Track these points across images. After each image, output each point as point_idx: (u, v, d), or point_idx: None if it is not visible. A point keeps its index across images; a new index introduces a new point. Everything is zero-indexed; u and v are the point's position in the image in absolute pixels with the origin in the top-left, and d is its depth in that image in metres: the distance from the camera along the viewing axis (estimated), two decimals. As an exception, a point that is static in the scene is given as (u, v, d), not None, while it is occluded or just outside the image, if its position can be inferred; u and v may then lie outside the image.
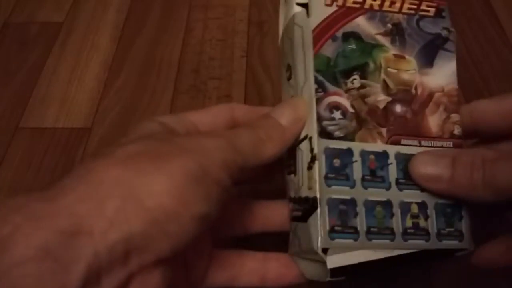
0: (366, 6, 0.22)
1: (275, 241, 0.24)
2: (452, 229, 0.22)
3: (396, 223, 0.21)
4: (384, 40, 0.22)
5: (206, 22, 0.48)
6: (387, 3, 0.23)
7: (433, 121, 0.22)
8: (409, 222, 0.21)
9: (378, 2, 0.23)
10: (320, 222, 0.20)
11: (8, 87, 0.43)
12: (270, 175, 0.26)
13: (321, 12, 0.22)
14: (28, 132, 0.40)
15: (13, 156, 0.38)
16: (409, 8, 0.23)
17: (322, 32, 0.22)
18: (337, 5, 0.22)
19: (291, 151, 0.22)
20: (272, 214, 0.25)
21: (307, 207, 0.20)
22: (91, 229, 0.15)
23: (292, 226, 0.22)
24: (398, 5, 0.23)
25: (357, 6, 0.22)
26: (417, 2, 0.23)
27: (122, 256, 0.16)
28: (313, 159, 0.20)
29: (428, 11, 0.23)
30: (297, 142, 0.22)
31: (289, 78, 0.23)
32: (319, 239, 0.19)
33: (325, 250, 0.19)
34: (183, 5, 0.50)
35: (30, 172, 0.37)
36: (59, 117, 0.41)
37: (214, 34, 0.47)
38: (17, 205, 0.16)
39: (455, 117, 0.22)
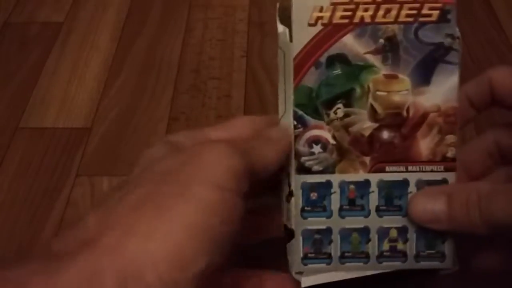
0: (356, 20, 0.20)
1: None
2: (432, 251, 0.22)
3: (372, 247, 0.21)
4: (374, 59, 0.21)
5: (206, 22, 0.48)
6: (380, 13, 0.20)
7: (425, 145, 0.21)
8: (386, 246, 0.21)
9: (370, 13, 0.20)
10: (295, 250, 0.21)
11: (8, 87, 0.43)
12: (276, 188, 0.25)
13: (304, 34, 0.20)
14: (28, 132, 0.40)
15: (13, 156, 0.38)
16: (408, 15, 0.21)
17: (304, 58, 0.20)
18: (322, 24, 0.20)
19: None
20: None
21: (287, 234, 0.21)
22: None
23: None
24: (394, 12, 0.20)
25: (346, 21, 0.20)
26: (417, 5, 0.21)
27: None
28: (290, 193, 0.21)
29: (430, 15, 0.21)
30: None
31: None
32: (294, 265, 0.21)
33: (300, 273, 0.21)
34: (183, 5, 0.50)
35: (30, 172, 0.37)
36: (59, 117, 0.41)
37: (214, 34, 0.47)
38: (18, 282, 0.16)
39: (450, 138, 0.21)
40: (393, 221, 0.21)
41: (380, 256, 0.21)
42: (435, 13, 0.21)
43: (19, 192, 0.36)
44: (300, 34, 0.20)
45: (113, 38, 0.47)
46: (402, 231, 0.21)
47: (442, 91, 0.21)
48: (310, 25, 0.20)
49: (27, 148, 0.39)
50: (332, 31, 0.20)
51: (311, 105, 0.21)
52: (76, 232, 0.17)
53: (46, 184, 0.36)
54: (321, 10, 0.20)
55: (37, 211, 0.35)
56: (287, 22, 0.20)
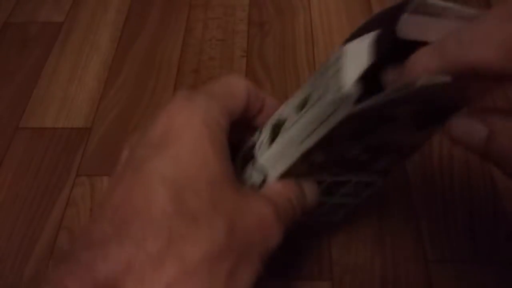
0: None
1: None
2: None
3: None
4: None
5: (206, 22, 0.48)
6: None
7: None
8: None
9: None
10: None
11: (8, 87, 0.43)
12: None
13: None
14: (28, 132, 0.40)
15: (13, 156, 0.38)
16: None
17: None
18: None
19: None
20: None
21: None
22: None
23: None
24: None
25: None
26: None
27: None
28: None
29: None
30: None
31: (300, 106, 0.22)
32: None
33: None
34: (183, 5, 0.50)
35: (30, 172, 0.37)
36: (59, 117, 0.41)
37: (214, 34, 0.47)
38: None
39: None
40: None
41: None
42: None
43: (19, 192, 0.36)
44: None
45: (113, 38, 0.47)
46: None
47: None
48: None
49: (27, 148, 0.39)
50: None
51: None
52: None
53: (46, 184, 0.36)
54: None
55: (37, 211, 0.35)
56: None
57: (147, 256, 0.16)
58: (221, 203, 0.18)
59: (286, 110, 0.23)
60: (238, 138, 0.25)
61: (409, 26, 0.18)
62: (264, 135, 0.23)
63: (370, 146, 0.22)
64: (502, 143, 0.17)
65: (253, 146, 0.24)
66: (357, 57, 0.19)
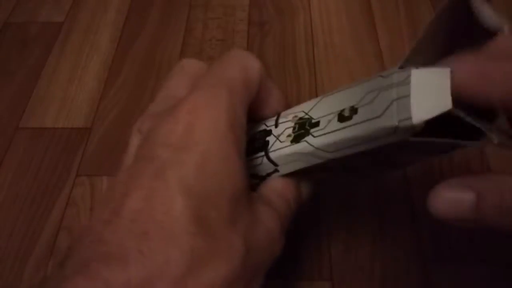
0: None
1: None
2: None
3: None
4: None
5: (206, 22, 0.48)
6: None
7: None
8: None
9: None
10: None
11: (8, 87, 0.43)
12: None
13: None
14: (28, 132, 0.40)
15: (13, 156, 0.38)
16: None
17: None
18: None
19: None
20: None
21: None
22: None
23: None
24: None
25: None
26: None
27: None
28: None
29: None
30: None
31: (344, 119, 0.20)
32: None
33: None
34: (183, 5, 0.50)
35: (30, 172, 0.37)
36: (59, 117, 0.41)
37: (214, 34, 0.47)
38: None
39: None
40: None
41: None
42: None
43: (19, 192, 0.36)
44: None
45: (113, 38, 0.47)
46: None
47: None
48: None
49: (27, 148, 0.39)
50: None
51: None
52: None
53: (46, 184, 0.36)
54: None
55: (37, 211, 0.35)
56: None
57: (169, 280, 0.15)
58: (238, 220, 0.18)
59: (316, 110, 0.21)
60: None
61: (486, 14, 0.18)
62: (282, 129, 0.22)
63: (379, 161, 0.21)
64: (493, 200, 0.16)
65: (266, 134, 0.23)
66: (431, 90, 0.17)
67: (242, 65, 0.21)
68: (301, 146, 0.21)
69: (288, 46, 0.45)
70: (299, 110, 0.22)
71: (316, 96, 0.41)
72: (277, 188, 0.22)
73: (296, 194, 0.23)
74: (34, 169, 0.37)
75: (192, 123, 0.18)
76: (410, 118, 0.17)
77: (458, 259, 0.31)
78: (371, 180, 0.25)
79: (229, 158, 0.18)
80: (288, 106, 0.24)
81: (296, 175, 0.22)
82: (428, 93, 0.17)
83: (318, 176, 0.24)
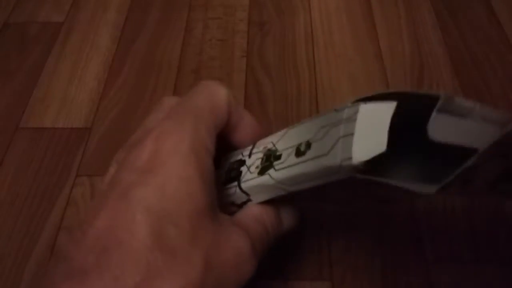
0: None
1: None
2: None
3: None
4: None
5: (206, 22, 0.48)
6: None
7: None
8: None
9: None
10: None
11: (8, 87, 0.43)
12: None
13: None
14: (28, 132, 0.40)
15: (13, 156, 0.38)
16: None
17: None
18: None
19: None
20: None
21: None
22: None
23: None
24: None
25: None
26: None
27: None
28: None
29: None
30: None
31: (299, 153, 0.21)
32: None
33: None
34: (183, 5, 0.50)
35: (30, 172, 0.37)
36: (59, 117, 0.41)
37: (214, 34, 0.47)
38: None
39: None
40: None
41: None
42: None
43: (19, 192, 0.36)
44: None
45: (113, 38, 0.47)
46: None
47: None
48: None
49: (27, 148, 0.39)
50: None
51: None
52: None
53: (46, 184, 0.36)
54: None
55: (37, 211, 0.35)
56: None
57: None
58: (200, 237, 0.18)
59: (282, 142, 0.22)
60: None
61: (439, 127, 0.17)
62: (253, 160, 0.23)
63: (361, 195, 0.22)
64: None
65: (241, 164, 0.24)
66: (372, 128, 0.18)
67: (208, 93, 0.23)
68: (264, 179, 0.22)
69: (288, 46, 0.45)
70: (269, 141, 0.23)
71: (316, 95, 0.41)
72: (252, 213, 0.22)
73: (274, 219, 0.23)
74: (34, 169, 0.37)
75: (156, 148, 0.19)
76: (350, 158, 0.18)
77: (458, 259, 0.31)
78: (377, 208, 0.25)
79: (190, 179, 0.19)
80: (263, 132, 0.25)
81: (276, 202, 0.23)
82: (370, 131, 0.18)
83: (300, 204, 0.24)
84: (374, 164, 0.17)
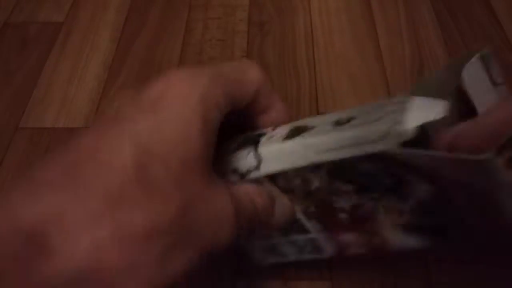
0: None
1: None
2: None
3: None
4: None
5: (206, 22, 0.48)
6: None
7: None
8: None
9: None
10: None
11: (8, 87, 0.43)
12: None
13: None
14: (28, 132, 0.40)
15: (13, 156, 0.38)
16: None
17: None
18: None
19: None
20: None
21: None
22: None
23: None
24: None
25: None
26: None
27: None
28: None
29: None
30: None
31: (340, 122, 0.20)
32: None
33: None
34: (183, 5, 0.50)
35: (30, 172, 0.37)
36: (59, 117, 0.41)
37: (214, 34, 0.47)
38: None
39: None
40: None
41: None
42: None
43: (19, 192, 0.36)
44: None
45: (113, 38, 0.47)
46: None
47: None
48: None
49: (27, 148, 0.39)
50: None
51: None
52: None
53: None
54: None
55: (37, 211, 0.35)
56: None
57: (84, 211, 0.15)
58: (186, 183, 0.18)
59: (316, 120, 0.21)
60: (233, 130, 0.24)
61: (471, 78, 0.18)
62: (279, 131, 0.22)
63: (358, 207, 0.21)
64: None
65: (261, 134, 0.23)
66: (423, 108, 0.18)
67: (240, 66, 0.22)
68: (288, 144, 0.21)
69: (288, 46, 0.45)
70: (301, 121, 0.22)
71: (316, 95, 0.41)
72: (247, 190, 0.22)
73: (267, 206, 0.22)
74: (34, 169, 0.37)
75: (164, 91, 0.19)
76: (402, 122, 0.17)
77: (458, 259, 0.31)
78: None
79: (190, 126, 0.18)
80: (289, 121, 0.24)
81: (275, 193, 0.22)
82: (423, 109, 0.18)
83: (299, 205, 0.23)
84: (423, 133, 0.17)
